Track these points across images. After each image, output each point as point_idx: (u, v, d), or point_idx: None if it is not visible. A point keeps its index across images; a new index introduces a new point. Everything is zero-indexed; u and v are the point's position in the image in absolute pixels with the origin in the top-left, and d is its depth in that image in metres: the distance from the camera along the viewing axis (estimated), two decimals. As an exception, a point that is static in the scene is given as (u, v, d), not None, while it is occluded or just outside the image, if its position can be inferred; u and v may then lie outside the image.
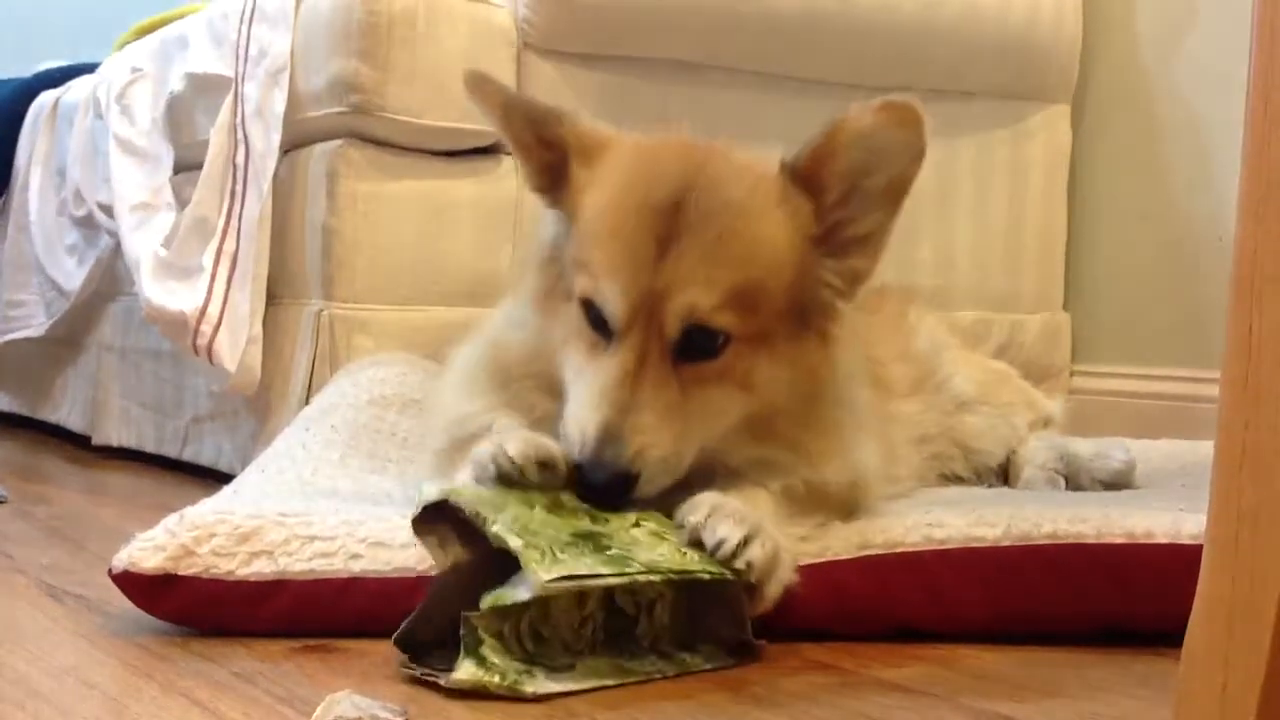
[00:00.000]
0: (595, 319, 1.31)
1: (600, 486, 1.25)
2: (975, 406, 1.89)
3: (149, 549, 1.28)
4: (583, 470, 1.25)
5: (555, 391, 1.37)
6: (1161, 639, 1.23)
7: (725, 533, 1.20)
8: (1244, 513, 0.83)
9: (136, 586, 1.28)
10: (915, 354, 1.86)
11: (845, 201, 1.32)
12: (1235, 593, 0.83)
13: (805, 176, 1.33)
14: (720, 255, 1.28)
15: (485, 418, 1.41)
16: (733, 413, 1.32)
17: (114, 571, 1.28)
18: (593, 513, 1.25)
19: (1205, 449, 0.87)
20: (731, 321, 1.28)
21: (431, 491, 1.17)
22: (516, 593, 1.12)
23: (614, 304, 1.29)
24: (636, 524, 1.24)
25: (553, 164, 1.39)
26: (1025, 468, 1.85)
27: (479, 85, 1.41)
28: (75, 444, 2.96)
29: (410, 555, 1.30)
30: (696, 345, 1.29)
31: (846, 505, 1.40)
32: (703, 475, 1.31)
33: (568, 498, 1.26)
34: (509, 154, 2.23)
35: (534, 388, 1.41)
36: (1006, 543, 1.33)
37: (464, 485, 1.23)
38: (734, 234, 1.29)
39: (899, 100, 1.27)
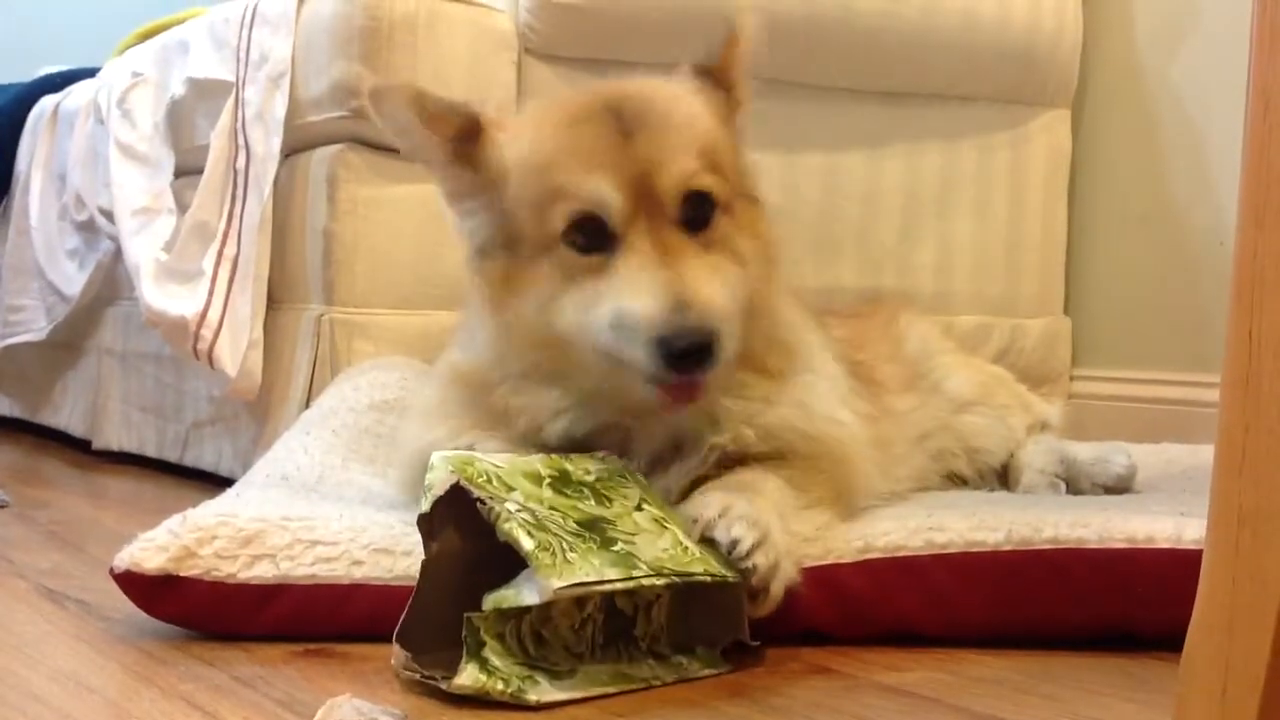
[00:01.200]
0: (588, 236, 1.30)
1: (687, 352, 1.23)
2: (974, 407, 1.89)
3: (151, 549, 1.28)
4: (664, 344, 1.23)
5: (536, 383, 1.36)
6: (1162, 643, 1.23)
7: (740, 533, 1.22)
8: (1244, 517, 0.83)
9: (137, 587, 1.28)
10: (904, 356, 1.87)
11: (745, 96, 1.45)
12: (1235, 597, 0.83)
13: (717, 75, 1.43)
14: (677, 128, 1.34)
15: (459, 441, 1.39)
16: (735, 286, 1.32)
17: (115, 571, 1.28)
18: (598, 492, 1.24)
19: (1206, 453, 0.87)
20: (713, 184, 1.33)
21: (443, 471, 1.15)
22: (521, 595, 1.10)
23: (610, 197, 1.29)
24: (639, 507, 1.25)
25: (465, 152, 1.38)
26: (1025, 472, 1.85)
27: (383, 93, 1.40)
28: (76, 448, 2.96)
29: (413, 563, 1.30)
30: (695, 214, 1.32)
31: (838, 462, 1.42)
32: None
33: (573, 466, 1.27)
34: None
35: (510, 392, 1.38)
36: (1008, 547, 1.33)
37: (472, 454, 1.22)
38: (676, 113, 1.36)
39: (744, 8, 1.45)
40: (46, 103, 3.27)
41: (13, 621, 1.35)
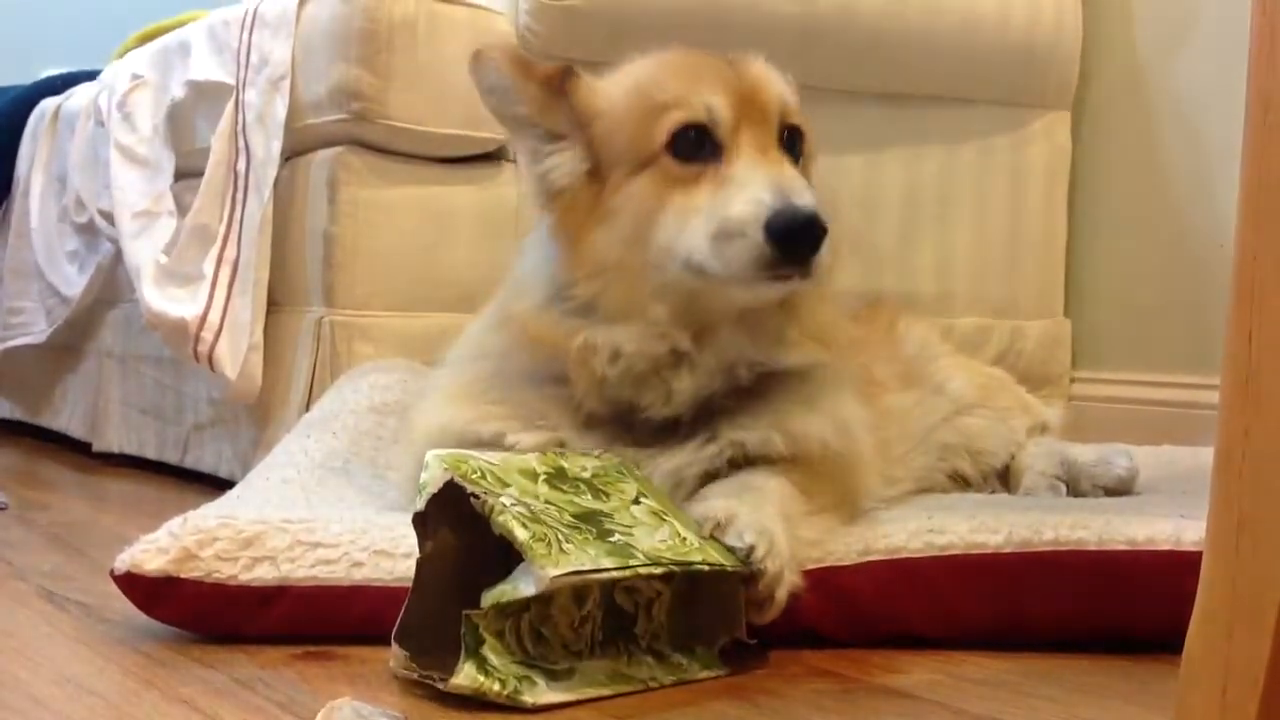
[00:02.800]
0: (693, 145, 1.36)
1: (800, 235, 1.29)
2: (975, 409, 1.89)
3: (151, 551, 1.28)
4: (777, 223, 1.28)
5: (603, 319, 1.38)
6: (1162, 645, 1.23)
7: (752, 540, 1.22)
8: (1243, 519, 0.83)
9: (138, 589, 1.28)
10: (904, 358, 1.88)
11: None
12: (1235, 599, 0.83)
13: None
14: (777, 75, 1.43)
15: (487, 427, 1.40)
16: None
17: (116, 573, 1.28)
18: (594, 487, 1.25)
19: (1206, 455, 0.87)
20: (805, 122, 1.43)
21: (437, 470, 1.15)
22: (519, 588, 1.10)
23: (717, 105, 1.36)
24: (636, 500, 1.25)
25: (558, 95, 1.43)
26: (1026, 474, 1.85)
27: (483, 53, 1.45)
28: (76, 450, 2.96)
29: (412, 565, 1.30)
30: (791, 144, 1.41)
31: (847, 471, 1.44)
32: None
33: (569, 464, 1.28)
34: (511, 160, 2.24)
35: (573, 329, 1.39)
36: (1008, 549, 1.33)
37: (466, 452, 1.21)
38: (775, 73, 1.44)
39: None
40: (47, 105, 3.27)
41: (13, 624, 1.35)
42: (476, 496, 1.13)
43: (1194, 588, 0.86)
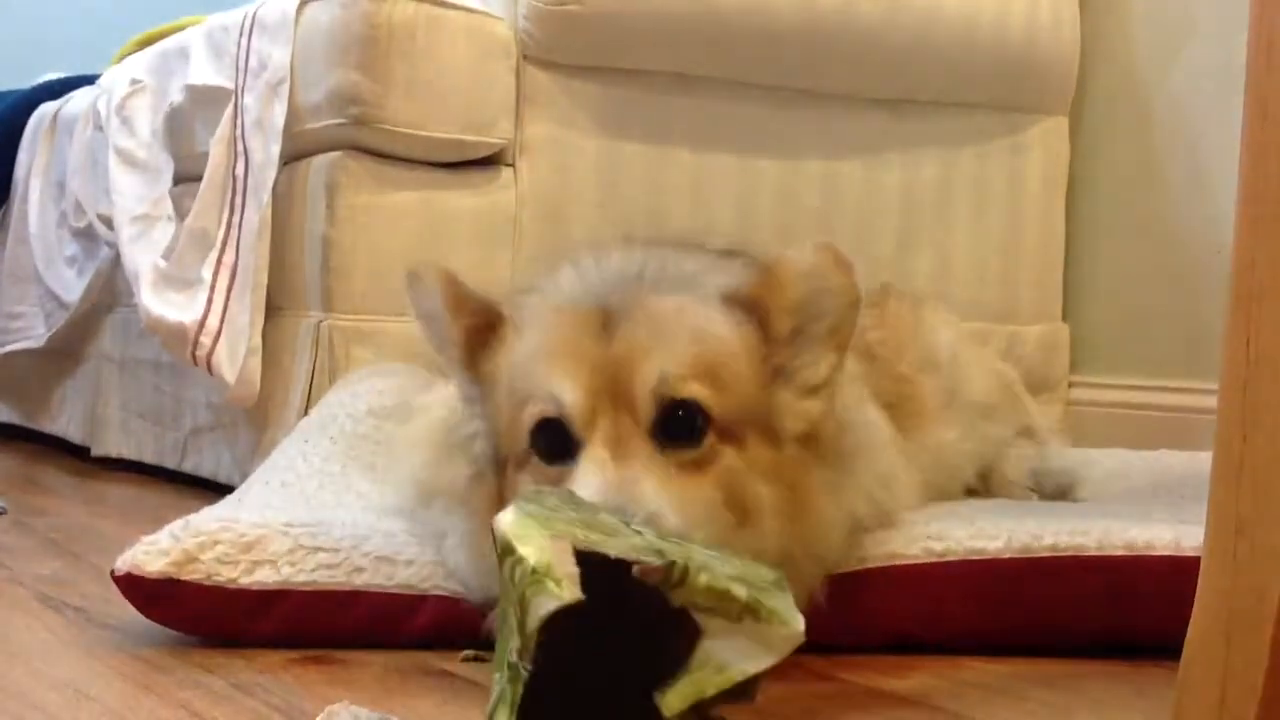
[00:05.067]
0: (551, 442, 1.16)
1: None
2: (992, 414, 1.85)
3: (153, 553, 1.28)
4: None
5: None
6: (1161, 651, 1.23)
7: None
8: (1241, 524, 0.83)
9: (138, 590, 1.28)
10: (939, 363, 1.79)
11: (794, 340, 1.23)
12: (1233, 604, 0.83)
13: (749, 305, 1.22)
14: (669, 330, 1.18)
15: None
16: (714, 521, 1.14)
17: (116, 574, 1.28)
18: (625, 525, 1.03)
19: (1203, 460, 0.88)
20: (707, 394, 1.15)
21: (536, 543, 0.89)
22: (736, 667, 0.90)
23: (569, 397, 1.15)
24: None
25: (477, 350, 1.27)
26: (998, 479, 1.85)
27: (420, 274, 1.28)
28: (74, 455, 2.96)
29: (413, 572, 1.30)
30: (676, 426, 1.15)
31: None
32: None
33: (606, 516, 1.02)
34: (509, 165, 2.24)
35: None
36: (1007, 555, 1.33)
37: (543, 509, 0.97)
38: (676, 317, 1.20)
39: (831, 244, 1.22)
40: (45, 110, 3.27)
41: (11, 629, 1.35)
42: (626, 564, 0.89)
43: (1193, 593, 0.86)
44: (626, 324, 1.18)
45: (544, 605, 0.84)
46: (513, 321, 1.26)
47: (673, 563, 0.89)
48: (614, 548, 0.90)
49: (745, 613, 0.89)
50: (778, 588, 0.94)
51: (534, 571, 0.86)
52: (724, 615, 0.89)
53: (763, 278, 1.24)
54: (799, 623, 0.90)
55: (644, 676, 0.88)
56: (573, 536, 0.89)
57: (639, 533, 0.97)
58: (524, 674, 0.85)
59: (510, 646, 0.87)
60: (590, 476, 1.11)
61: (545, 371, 1.18)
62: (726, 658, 0.89)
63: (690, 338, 1.18)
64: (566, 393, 1.15)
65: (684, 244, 1.39)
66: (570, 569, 0.86)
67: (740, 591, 0.89)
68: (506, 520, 0.91)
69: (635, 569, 0.88)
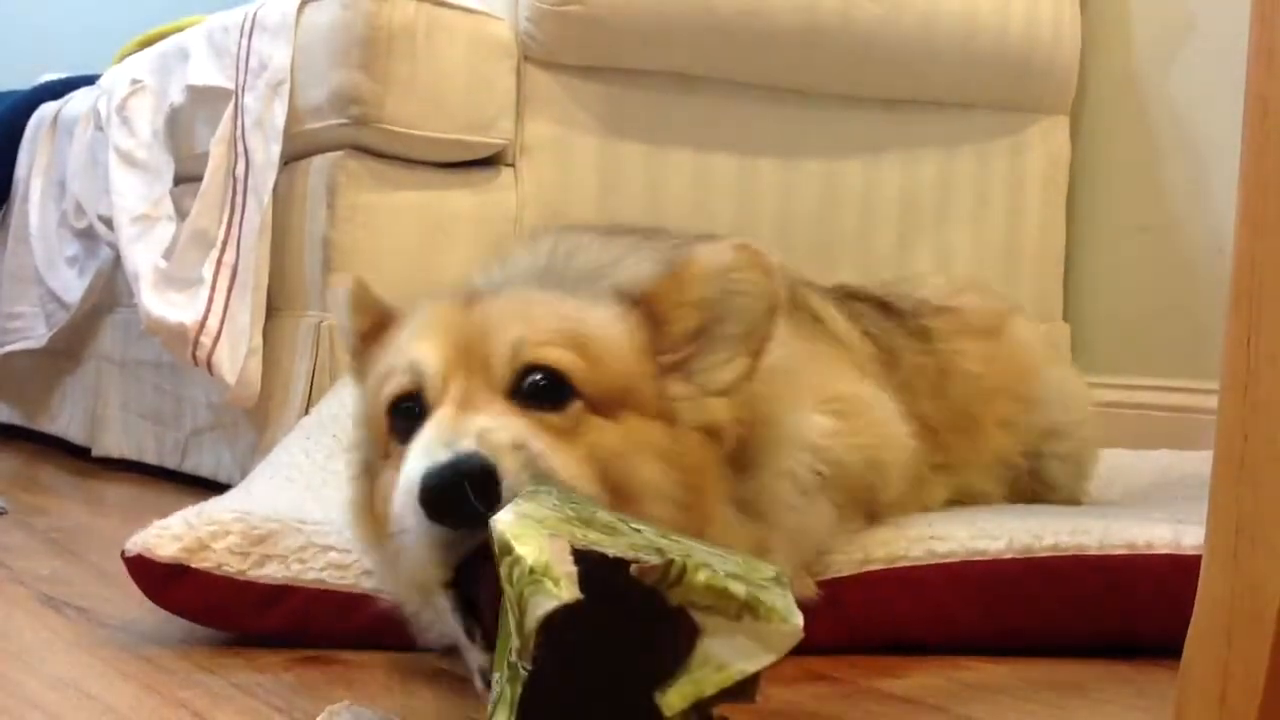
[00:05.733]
0: (408, 416, 1.10)
1: (447, 488, 0.98)
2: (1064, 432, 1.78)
3: (165, 537, 1.29)
4: (425, 493, 0.99)
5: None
6: (1161, 650, 1.23)
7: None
8: (1242, 524, 0.83)
9: (147, 574, 1.28)
10: (1041, 401, 1.73)
11: (696, 339, 1.16)
12: (1234, 604, 0.83)
13: (644, 300, 1.16)
14: (532, 307, 1.15)
15: None
16: (594, 496, 1.06)
17: (127, 554, 1.28)
18: (622, 520, 1.00)
19: (1204, 460, 0.88)
20: (572, 364, 1.10)
21: (535, 543, 0.87)
22: (736, 666, 0.88)
23: (425, 361, 1.10)
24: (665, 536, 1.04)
25: (365, 353, 1.24)
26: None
27: (337, 280, 1.32)
28: (75, 455, 2.96)
29: None
30: (536, 391, 1.09)
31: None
32: None
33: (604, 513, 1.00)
34: (510, 165, 2.24)
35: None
36: (1008, 555, 1.33)
37: (540, 508, 0.94)
38: (543, 300, 1.17)
39: (752, 243, 1.17)
40: (46, 110, 3.27)
41: (12, 628, 1.35)
42: (624, 562, 0.88)
43: (1193, 592, 0.86)
44: (490, 300, 1.16)
45: (542, 605, 0.83)
46: (400, 320, 1.22)
47: (670, 561, 0.87)
48: (612, 546, 0.89)
49: (744, 610, 0.88)
50: (777, 584, 0.93)
51: (532, 571, 0.85)
52: (722, 613, 0.88)
53: (667, 274, 1.18)
54: (798, 619, 0.89)
55: (643, 676, 0.88)
56: (570, 535, 0.88)
57: (638, 530, 0.96)
58: (523, 674, 0.84)
59: (509, 646, 0.87)
60: (430, 426, 1.05)
61: (405, 346, 1.14)
62: (726, 656, 0.88)
63: (554, 313, 1.14)
64: (420, 356, 1.10)
65: (610, 232, 1.36)
66: (568, 568, 0.85)
67: (738, 589, 0.88)
68: (504, 520, 0.89)
69: (633, 567, 0.87)
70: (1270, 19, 0.84)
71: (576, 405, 1.09)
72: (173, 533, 1.29)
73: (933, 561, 1.33)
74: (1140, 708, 1.16)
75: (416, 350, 1.11)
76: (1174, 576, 1.28)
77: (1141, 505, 1.76)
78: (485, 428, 1.03)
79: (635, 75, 2.34)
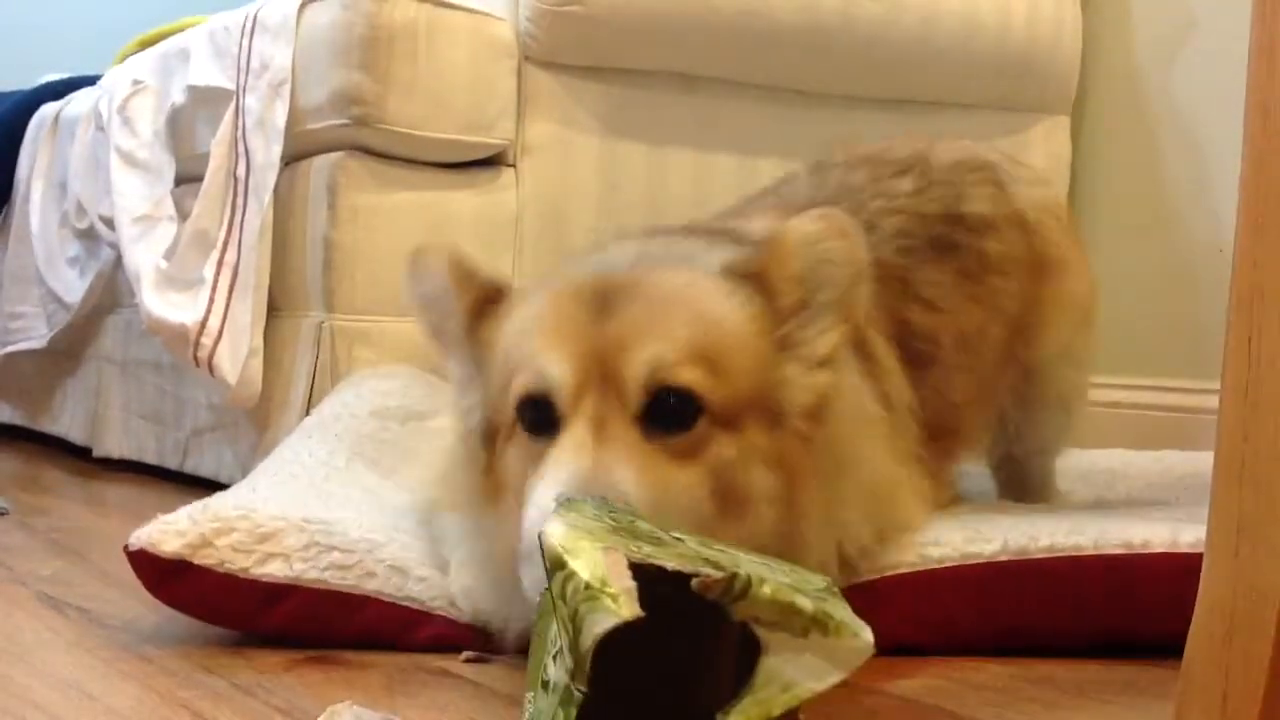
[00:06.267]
0: (536, 416, 1.14)
1: None
2: None
3: (169, 533, 1.28)
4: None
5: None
6: (1162, 650, 1.23)
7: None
8: (1243, 524, 0.83)
9: (150, 568, 1.28)
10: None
11: (799, 312, 1.20)
12: (1235, 604, 0.83)
13: (753, 276, 1.20)
14: (666, 312, 1.15)
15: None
16: (697, 515, 1.11)
17: (130, 549, 1.28)
18: (667, 533, 0.95)
19: (1205, 460, 0.88)
20: (701, 380, 1.12)
21: (590, 557, 0.82)
22: (804, 684, 0.84)
23: (556, 372, 1.13)
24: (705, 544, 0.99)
25: (478, 325, 1.26)
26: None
27: (425, 251, 1.30)
28: (76, 456, 2.96)
29: (424, 588, 1.30)
30: (666, 413, 1.12)
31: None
32: None
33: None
34: (511, 166, 2.24)
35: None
36: (1004, 557, 1.33)
37: (582, 519, 0.93)
38: (674, 298, 1.18)
39: (835, 212, 1.22)
40: (47, 111, 3.27)
41: (13, 629, 1.35)
42: (683, 576, 0.82)
43: (1192, 591, 0.86)
44: (623, 302, 1.15)
45: (601, 623, 0.78)
46: (514, 294, 1.26)
47: (734, 574, 0.82)
48: (668, 558, 0.83)
49: (811, 626, 0.83)
50: (832, 595, 0.88)
51: (588, 587, 0.79)
52: (788, 629, 0.83)
53: (766, 249, 1.22)
54: (868, 635, 0.84)
55: (704, 696, 0.82)
56: (624, 547, 0.83)
57: (680, 540, 0.92)
58: (578, 696, 0.79)
59: (548, 664, 0.82)
60: (566, 456, 1.08)
61: (537, 345, 1.16)
62: (792, 674, 0.83)
63: (689, 319, 1.15)
64: (554, 368, 1.13)
65: (683, 231, 1.41)
66: (627, 583, 0.79)
67: (805, 604, 0.83)
68: (555, 533, 0.85)
69: (695, 582, 0.81)
70: (1270, 19, 0.84)
71: (702, 423, 1.13)
72: (177, 528, 1.29)
73: (929, 567, 1.33)
74: (1141, 707, 1.16)
75: (547, 361, 1.14)
76: (1172, 575, 1.28)
77: (1141, 505, 1.75)
78: (624, 490, 1.05)
79: (635, 75, 2.34)
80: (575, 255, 1.35)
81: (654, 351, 1.12)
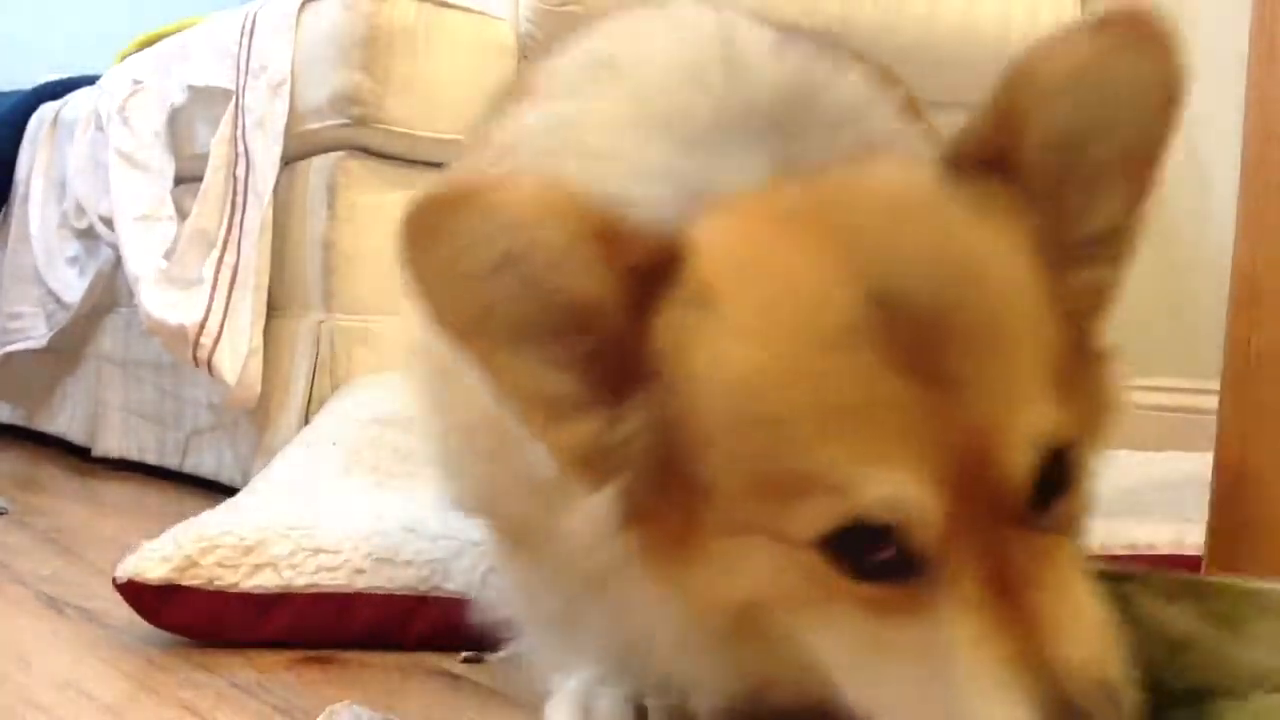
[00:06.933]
0: (861, 549, 0.71)
1: None
2: None
3: (154, 559, 1.28)
4: None
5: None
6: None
7: None
8: (1243, 525, 0.83)
9: (140, 597, 1.28)
10: None
11: (1061, 185, 0.78)
12: (1234, 605, 0.83)
13: (991, 161, 0.76)
14: (1007, 337, 0.73)
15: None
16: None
17: (118, 581, 1.28)
18: None
19: (1204, 460, 0.88)
20: (1070, 422, 0.74)
21: None
22: None
23: (914, 504, 0.70)
24: None
25: (639, 305, 0.75)
26: None
27: (497, 198, 0.79)
28: (75, 455, 2.96)
29: (413, 574, 1.30)
30: (1048, 486, 0.73)
31: None
32: None
33: None
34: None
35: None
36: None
37: None
38: (997, 300, 0.74)
39: (1128, 11, 0.80)
40: (46, 111, 3.27)
41: (12, 628, 1.35)
42: None
43: (1193, 593, 0.86)
44: (939, 339, 0.70)
45: None
46: (699, 275, 0.74)
47: None
48: None
49: None
50: None
51: None
52: None
53: (1002, 106, 0.76)
54: None
55: None
56: None
57: None
58: None
59: None
60: (990, 644, 0.69)
61: (855, 438, 0.70)
62: None
63: (1030, 332, 0.74)
64: (911, 498, 0.70)
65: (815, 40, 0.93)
66: None
67: None
68: None
69: None
70: (1270, 19, 0.84)
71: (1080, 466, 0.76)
72: (161, 554, 1.29)
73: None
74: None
75: (897, 483, 0.69)
76: (1174, 577, 1.27)
77: (1143, 506, 1.75)
78: (1096, 672, 0.69)
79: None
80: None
81: (1037, 417, 0.72)
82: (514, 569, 1.01)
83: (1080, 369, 0.79)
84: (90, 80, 3.18)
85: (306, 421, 2.06)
